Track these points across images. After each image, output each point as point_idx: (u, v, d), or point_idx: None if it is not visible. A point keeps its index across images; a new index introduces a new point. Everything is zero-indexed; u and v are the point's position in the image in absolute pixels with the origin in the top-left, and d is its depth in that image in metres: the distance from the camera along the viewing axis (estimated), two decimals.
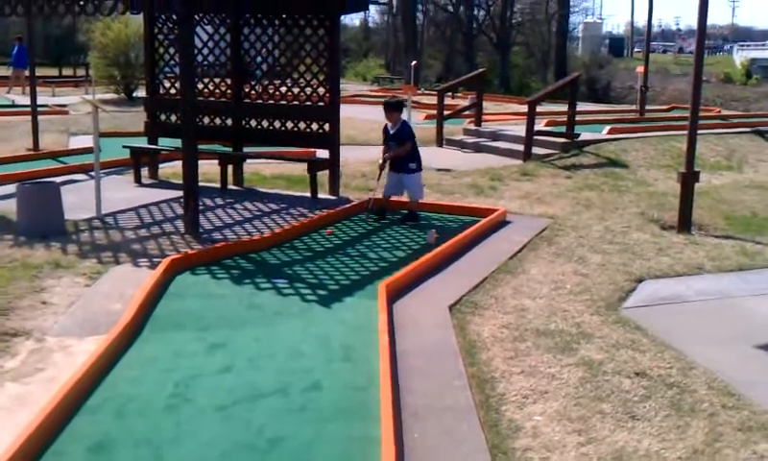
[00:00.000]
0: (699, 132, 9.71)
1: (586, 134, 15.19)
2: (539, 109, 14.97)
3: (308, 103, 10.44)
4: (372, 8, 57.10)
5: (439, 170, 12.93)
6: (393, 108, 9.30)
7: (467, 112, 18.26)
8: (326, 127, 10.28)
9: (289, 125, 10.63)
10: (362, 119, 20.17)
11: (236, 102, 10.87)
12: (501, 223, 9.04)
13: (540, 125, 15.75)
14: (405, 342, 5.35)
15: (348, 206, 9.56)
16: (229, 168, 10.87)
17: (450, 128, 16.80)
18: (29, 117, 14.53)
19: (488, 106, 20.13)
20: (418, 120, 19.76)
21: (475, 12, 51.30)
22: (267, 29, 10.73)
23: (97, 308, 5.83)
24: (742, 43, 78.12)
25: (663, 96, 38.44)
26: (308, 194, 10.19)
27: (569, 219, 9.48)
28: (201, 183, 11.12)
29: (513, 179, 12.27)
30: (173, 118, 11.14)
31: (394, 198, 9.48)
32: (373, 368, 4.82)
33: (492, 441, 4.11)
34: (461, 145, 15.90)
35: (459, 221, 9.12)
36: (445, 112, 16.68)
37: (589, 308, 6.29)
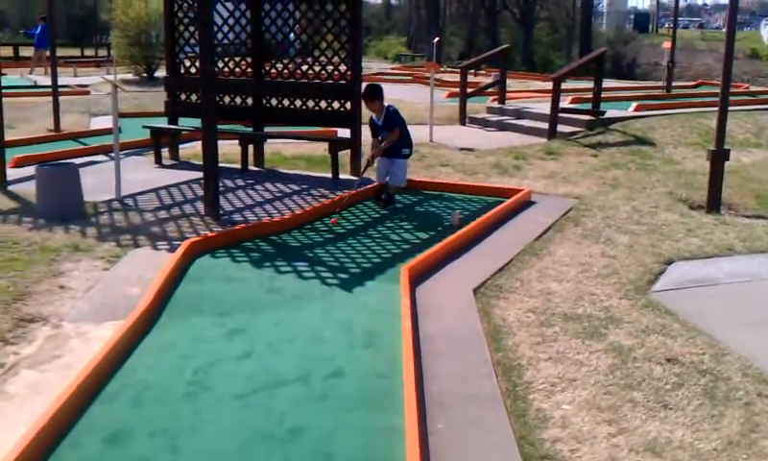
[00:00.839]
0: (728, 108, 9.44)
1: (612, 112, 14.93)
2: (563, 86, 14.70)
3: (329, 81, 10.27)
4: None
5: (462, 149, 12.76)
6: (372, 96, 8.66)
7: (490, 90, 18.02)
8: (348, 105, 10.11)
9: (310, 104, 10.48)
10: (385, 98, 20.00)
11: (256, 80, 10.72)
12: (526, 203, 8.87)
13: (564, 102, 15.52)
14: (428, 327, 5.22)
15: (369, 186, 9.41)
16: (250, 148, 10.76)
17: (473, 106, 16.58)
18: (50, 98, 14.47)
19: (511, 83, 19.83)
20: (440, 98, 19.56)
21: None
22: (288, 4, 10.56)
23: (115, 293, 5.74)
24: None
25: (690, 72, 37.78)
26: (329, 175, 10.05)
27: (596, 199, 9.28)
28: (221, 164, 11.03)
29: (537, 158, 12.07)
30: (193, 98, 11.01)
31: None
32: (396, 354, 4.69)
33: (519, 432, 3.97)
34: (484, 123, 15.69)
35: (483, 202, 8.96)
36: (468, 90, 16.45)
37: (618, 292, 6.13)
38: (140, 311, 5.16)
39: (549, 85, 16.10)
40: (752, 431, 4.07)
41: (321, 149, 11.17)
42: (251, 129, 11.15)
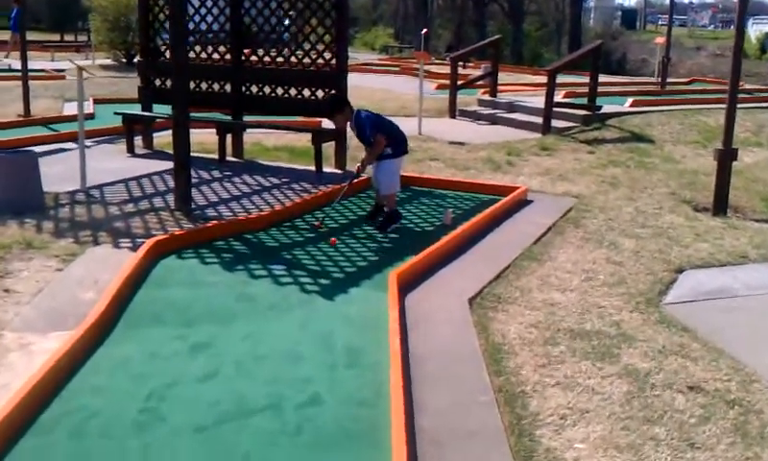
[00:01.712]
0: (723, 105, 8.89)
1: (607, 107, 14.35)
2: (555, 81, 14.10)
3: (313, 68, 9.62)
4: None
5: (452, 143, 12.16)
6: (331, 109, 7.23)
7: (481, 82, 17.41)
8: None
9: (293, 92, 9.83)
10: (372, 88, 19.38)
11: (235, 66, 10.06)
12: (523, 202, 8.28)
13: (557, 97, 14.93)
14: (420, 344, 4.61)
15: (355, 181, 8.77)
16: (229, 138, 10.12)
17: (464, 98, 15.97)
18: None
19: (501, 76, 19.19)
20: (430, 90, 18.95)
21: None
22: None
23: (66, 298, 5.09)
24: (757, 17, 76.51)
25: (681, 69, 37.38)
26: (313, 167, 9.41)
27: (596, 199, 8.70)
28: (197, 154, 10.39)
29: (531, 153, 11.47)
30: (168, 83, 10.33)
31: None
32: (383, 376, 4.09)
33: None
34: (475, 117, 15.09)
35: (476, 199, 8.36)
36: (460, 82, 15.84)
37: (628, 304, 5.54)
38: (91, 321, 4.53)
39: (540, 79, 15.57)
40: None
41: (305, 140, 10.52)
42: (229, 117, 10.49)
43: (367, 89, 18.83)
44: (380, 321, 4.79)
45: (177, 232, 6.38)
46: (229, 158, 10.07)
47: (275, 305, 5.12)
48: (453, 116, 15.22)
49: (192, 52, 10.43)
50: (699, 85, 22.40)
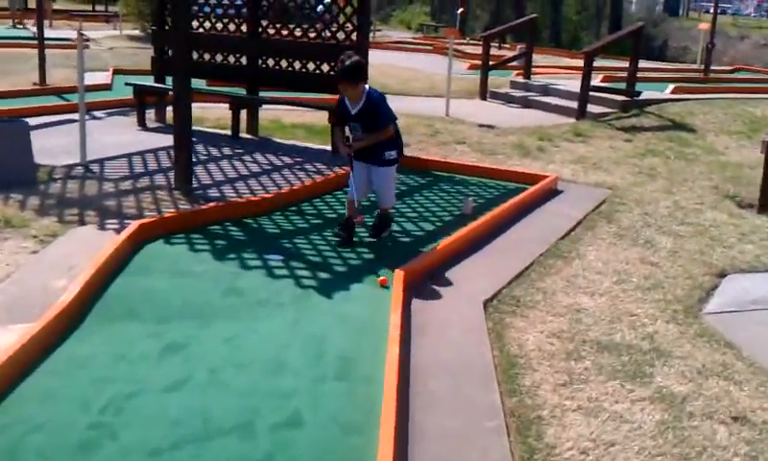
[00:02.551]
0: None
1: (647, 93, 13.59)
2: (593, 64, 13.36)
3: (333, 41, 9.02)
4: None
5: (481, 126, 11.52)
6: (355, 75, 5.49)
7: (514, 64, 16.69)
8: None
9: (311, 66, 9.25)
10: (401, 67, 18.78)
11: (251, 37, 9.50)
12: (552, 192, 7.65)
13: (595, 81, 14.20)
14: (423, 355, 4.04)
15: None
16: (243, 114, 9.59)
17: (496, 80, 15.29)
18: (48, 50, 13.44)
19: (537, 59, 18.48)
20: (462, 70, 18.29)
21: None
22: None
23: (36, 284, 4.58)
24: None
25: (724, 58, 36.17)
26: (329, 147, 8.84)
27: (631, 190, 8.05)
28: (211, 130, 9.91)
29: (564, 139, 10.80)
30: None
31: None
32: (377, 393, 3.52)
33: None
34: (507, 99, 14.41)
35: (502, 188, 7.75)
36: (491, 63, 15.16)
37: (663, 312, 4.93)
38: (54, 313, 4.01)
39: (578, 63, 14.86)
40: None
41: (324, 117, 9.96)
42: (244, 92, 9.95)
43: (396, 68, 18.24)
44: (380, 324, 4.23)
45: (166, 215, 5.84)
46: (243, 135, 9.54)
47: (264, 302, 4.56)
48: (484, 98, 14.57)
49: (208, 22, 9.92)
50: (743, 74, 21.47)
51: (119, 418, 3.29)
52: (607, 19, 46.55)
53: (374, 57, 19.88)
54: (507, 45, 24.38)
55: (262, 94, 10.11)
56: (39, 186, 6.59)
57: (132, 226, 5.31)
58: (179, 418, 3.31)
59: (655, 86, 14.87)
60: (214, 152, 8.56)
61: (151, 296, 4.53)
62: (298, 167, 8.04)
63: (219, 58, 9.82)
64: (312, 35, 9.24)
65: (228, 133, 9.50)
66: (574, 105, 12.62)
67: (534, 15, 16.38)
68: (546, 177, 7.86)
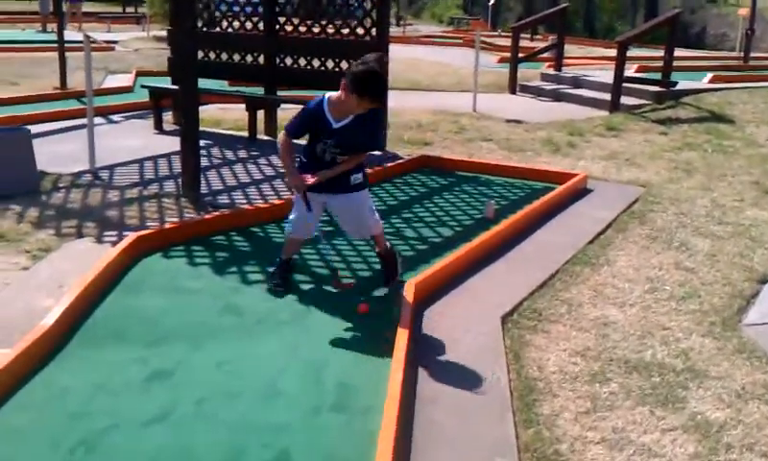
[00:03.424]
0: None
1: (683, 83, 13.06)
2: (627, 54, 12.87)
3: (351, 38, 8.67)
4: None
5: (509, 121, 11.13)
6: (378, 90, 4.25)
7: (545, 55, 16.22)
8: None
9: (330, 64, 8.92)
10: (430, 61, 18.45)
11: (268, 35, 9.19)
12: (581, 191, 7.25)
13: (629, 71, 13.71)
14: (431, 379, 3.68)
15: (391, 164, 7.86)
16: (261, 115, 9.30)
17: (526, 73, 14.90)
18: (70, 53, 13.30)
19: (570, 49, 18.01)
20: (491, 63, 17.88)
21: None
22: None
23: (21, 306, 4.30)
24: None
25: (764, 44, 35.20)
26: None
27: (666, 188, 7.61)
28: (228, 132, 9.64)
29: (596, 134, 10.37)
30: (205, 56, 9.58)
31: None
32: (375, 427, 3.17)
33: None
34: (537, 92, 13.98)
35: (527, 188, 7.35)
36: (521, 55, 14.73)
37: (699, 326, 4.52)
38: (32, 339, 3.72)
39: (611, 53, 14.36)
40: None
41: None
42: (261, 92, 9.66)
43: (424, 62, 17.89)
44: (387, 345, 3.88)
45: (167, 226, 5.54)
46: (261, 137, 9.25)
47: (263, 320, 4.23)
48: (513, 92, 14.17)
49: (225, 21, 9.66)
50: None
51: (89, 457, 2.98)
52: (642, 7, 45.64)
53: (403, 52, 19.62)
54: (539, 36, 23.90)
55: (281, 94, 9.81)
56: (42, 196, 6.34)
57: (128, 239, 5.01)
58: (155, 457, 2.99)
59: (692, 76, 14.36)
60: (229, 155, 8.28)
61: (141, 316, 4.22)
62: None
63: (236, 57, 9.54)
64: (330, 31, 8.92)
65: (246, 134, 9.22)
66: (607, 97, 12.18)
67: (565, 5, 15.87)
68: (575, 175, 7.45)
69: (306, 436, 3.17)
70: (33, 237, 5.32)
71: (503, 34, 27.27)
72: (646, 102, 12.30)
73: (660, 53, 14.32)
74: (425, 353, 3.92)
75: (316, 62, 9.01)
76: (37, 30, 23.79)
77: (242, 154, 8.36)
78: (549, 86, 14.05)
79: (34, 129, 8.37)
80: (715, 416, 3.53)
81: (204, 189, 6.71)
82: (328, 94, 4.36)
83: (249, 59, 9.59)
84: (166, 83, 10.14)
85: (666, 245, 5.90)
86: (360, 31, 8.55)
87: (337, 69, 8.79)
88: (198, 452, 3.04)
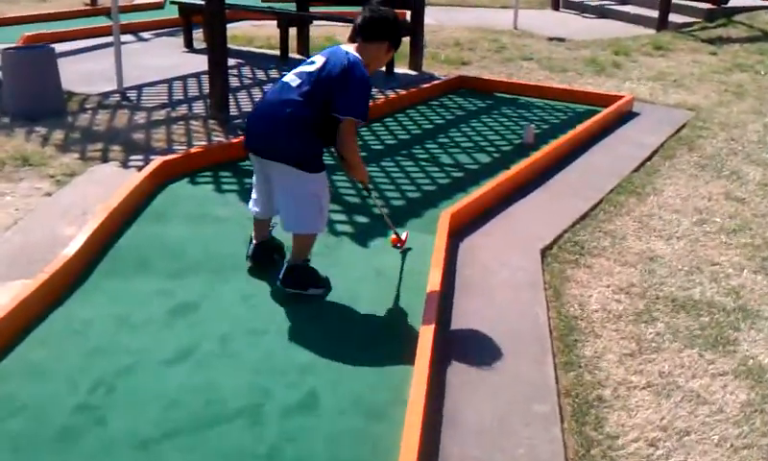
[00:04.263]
0: None
1: (736, 0, 12.47)
2: None
3: None
4: None
5: (551, 39, 10.73)
6: (400, 27, 3.70)
7: None
8: None
9: None
10: None
11: None
12: (626, 115, 6.94)
13: None
14: (466, 317, 3.50)
15: (427, 85, 7.58)
16: (293, 32, 9.01)
17: None
18: None
19: None
20: None
21: None
22: None
23: (44, 233, 4.17)
24: None
25: None
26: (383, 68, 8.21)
27: (716, 112, 7.26)
28: (260, 50, 9.38)
29: (643, 53, 9.94)
30: None
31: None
32: (406, 370, 3.00)
33: None
34: (581, 8, 13.48)
35: (570, 110, 7.06)
36: None
37: (751, 260, 4.28)
38: (53, 270, 3.59)
39: None
40: None
41: None
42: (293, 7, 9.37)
43: None
44: (419, 280, 3.69)
45: (193, 150, 5.35)
46: (293, 55, 8.97)
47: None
48: (556, 8, 13.68)
49: None
50: None
51: (109, 398, 2.86)
52: None
53: None
54: None
55: (314, 10, 9.49)
56: (68, 118, 6.18)
57: (154, 163, 4.84)
58: (177, 399, 2.87)
59: None
60: (260, 74, 8.05)
61: (166, 245, 4.08)
62: None
63: None
64: None
65: (277, 53, 8.96)
66: (655, 14, 11.68)
67: None
68: (621, 97, 7.13)
69: (332, 380, 3.01)
70: (57, 161, 5.18)
71: None
72: (696, 19, 11.79)
73: None
74: (460, 290, 3.73)
75: None
76: None
77: (273, 73, 8.12)
78: (594, 2, 13.53)
79: (62, 47, 8.22)
80: None
81: (233, 111, 6.50)
82: (353, 55, 3.47)
83: None
84: None
85: (716, 173, 5.61)
86: None
87: None
88: (222, 394, 2.90)
